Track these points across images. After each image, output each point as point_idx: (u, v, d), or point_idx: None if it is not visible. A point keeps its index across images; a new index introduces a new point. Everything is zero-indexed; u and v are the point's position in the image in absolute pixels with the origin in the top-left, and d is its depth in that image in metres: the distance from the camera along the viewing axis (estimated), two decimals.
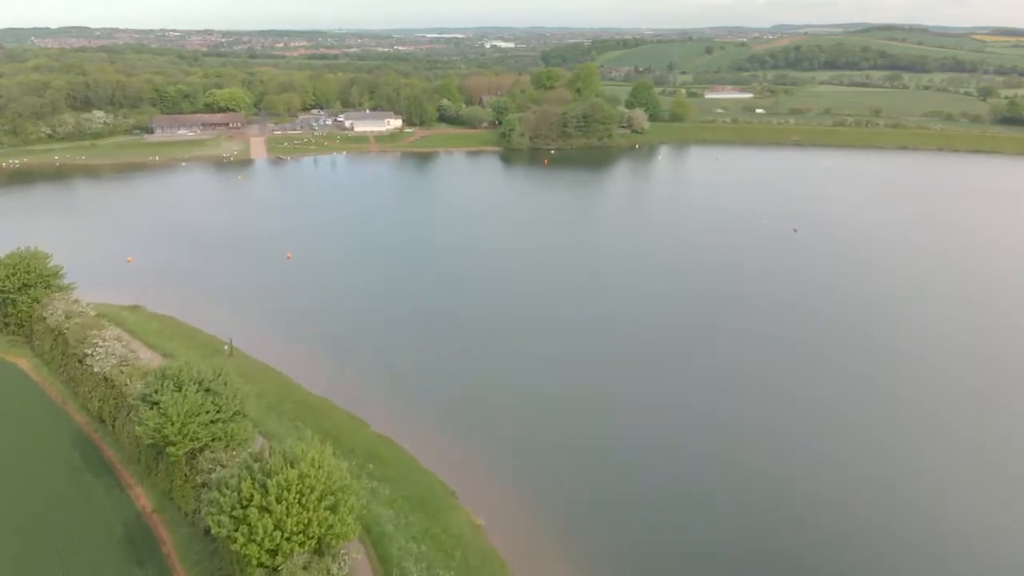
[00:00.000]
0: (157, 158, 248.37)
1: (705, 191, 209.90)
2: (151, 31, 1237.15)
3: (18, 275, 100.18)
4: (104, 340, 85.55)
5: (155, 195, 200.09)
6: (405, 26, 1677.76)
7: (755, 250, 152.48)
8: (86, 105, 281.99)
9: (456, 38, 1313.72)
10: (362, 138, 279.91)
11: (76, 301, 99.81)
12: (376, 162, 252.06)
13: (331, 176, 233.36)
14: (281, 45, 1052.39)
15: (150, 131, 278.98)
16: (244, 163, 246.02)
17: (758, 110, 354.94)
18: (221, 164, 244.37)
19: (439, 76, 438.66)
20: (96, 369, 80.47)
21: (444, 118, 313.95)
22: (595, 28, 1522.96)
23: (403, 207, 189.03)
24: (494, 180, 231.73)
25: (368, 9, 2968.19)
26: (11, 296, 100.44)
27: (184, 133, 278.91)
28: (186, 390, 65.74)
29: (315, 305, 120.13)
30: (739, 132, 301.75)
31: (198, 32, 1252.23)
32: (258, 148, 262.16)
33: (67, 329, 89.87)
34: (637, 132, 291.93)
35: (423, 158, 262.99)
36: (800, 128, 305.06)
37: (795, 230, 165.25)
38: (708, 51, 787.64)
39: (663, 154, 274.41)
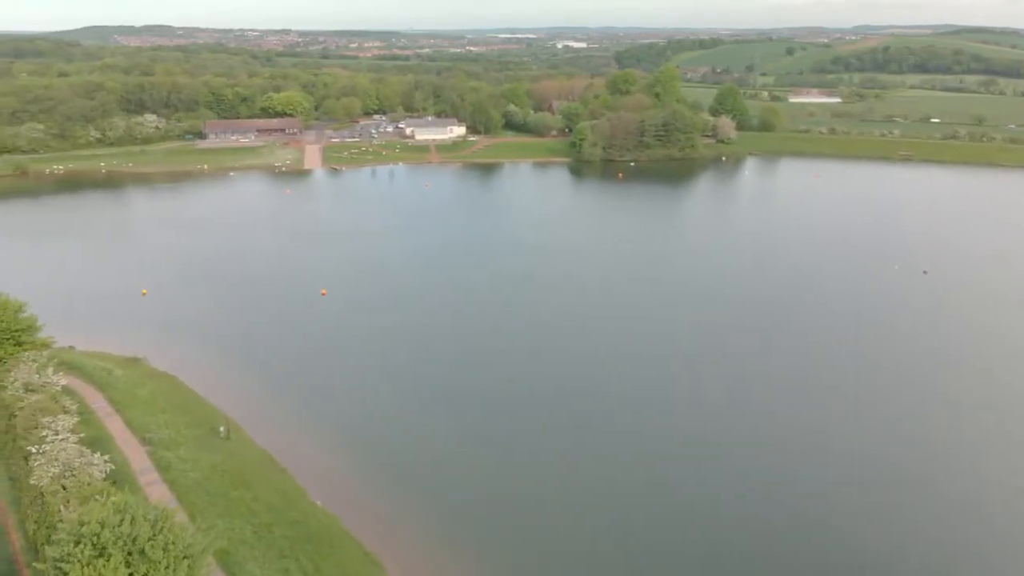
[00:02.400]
0: (206, 167, 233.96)
1: (806, 215, 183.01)
2: (230, 31, 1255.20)
3: None
4: (56, 432, 66.68)
5: (191, 211, 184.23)
6: (478, 26, 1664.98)
7: (882, 295, 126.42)
8: (140, 108, 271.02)
9: (528, 38, 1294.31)
10: (422, 148, 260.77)
11: (47, 364, 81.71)
12: (435, 175, 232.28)
13: (386, 191, 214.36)
14: (355, 46, 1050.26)
15: (203, 136, 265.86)
16: (296, 174, 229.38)
17: (858, 119, 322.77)
18: (272, 175, 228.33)
19: (509, 78, 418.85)
20: (32, 480, 61.44)
21: (510, 125, 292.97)
22: (669, 28, 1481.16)
23: (456, 231, 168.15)
24: (561, 198, 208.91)
25: (442, 9, 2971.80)
26: None
27: (237, 139, 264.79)
28: (109, 558, 45.53)
29: (344, 367, 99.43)
30: (839, 145, 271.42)
31: (276, 32, 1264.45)
32: (313, 157, 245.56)
33: (19, 411, 71.41)
34: (723, 142, 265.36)
35: (485, 170, 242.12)
36: (907, 142, 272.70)
37: (925, 272, 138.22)
38: (789, 52, 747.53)
39: (751, 168, 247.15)
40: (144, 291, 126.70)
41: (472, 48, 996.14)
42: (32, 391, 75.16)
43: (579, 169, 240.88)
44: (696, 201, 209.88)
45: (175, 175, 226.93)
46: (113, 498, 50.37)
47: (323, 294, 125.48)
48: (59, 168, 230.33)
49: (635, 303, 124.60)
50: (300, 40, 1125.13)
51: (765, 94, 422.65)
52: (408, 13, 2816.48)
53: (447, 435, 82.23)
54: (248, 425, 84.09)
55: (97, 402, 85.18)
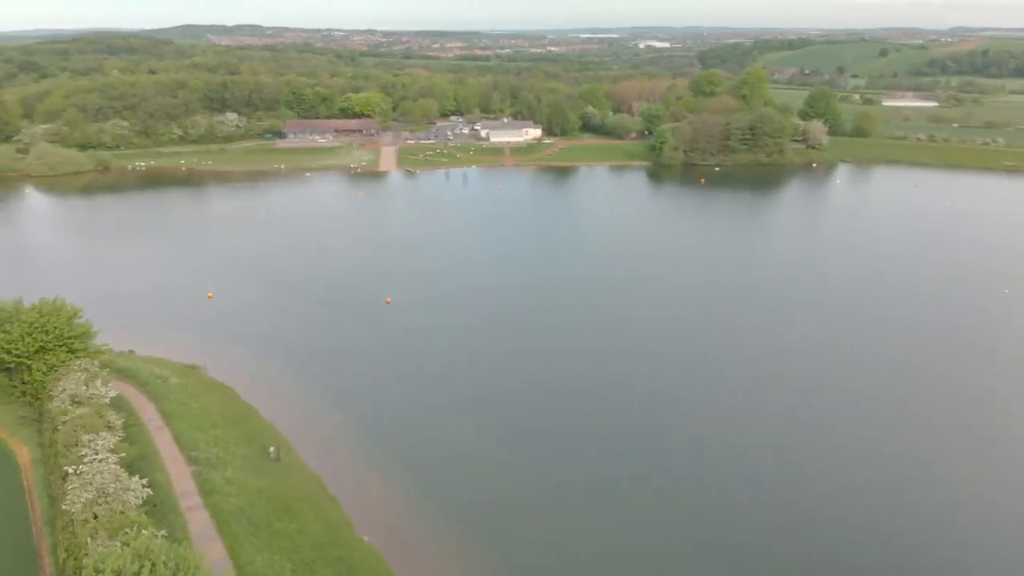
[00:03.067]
0: (283, 167, 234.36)
1: (903, 228, 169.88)
2: (318, 30, 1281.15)
3: (35, 335, 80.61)
4: (96, 452, 63.40)
5: (265, 212, 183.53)
6: (560, 26, 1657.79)
7: (989, 321, 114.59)
8: (222, 106, 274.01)
9: (610, 38, 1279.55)
10: (496, 150, 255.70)
11: (97, 375, 79.11)
12: (508, 178, 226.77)
13: (458, 194, 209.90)
14: (437, 46, 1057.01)
15: (282, 136, 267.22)
16: (371, 176, 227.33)
17: (954, 124, 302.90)
18: (348, 176, 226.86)
19: (588, 78, 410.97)
20: (64, 505, 58.13)
21: (588, 127, 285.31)
22: (756, 28, 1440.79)
23: (526, 235, 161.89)
24: (638, 202, 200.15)
25: (524, 9, 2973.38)
26: (25, 362, 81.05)
27: (315, 139, 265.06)
28: None
29: (407, 387, 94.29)
30: (938, 153, 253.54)
31: (361, 32, 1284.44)
32: (388, 159, 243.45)
33: (62, 425, 68.64)
34: (813, 148, 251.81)
35: (560, 174, 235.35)
36: (1013, 151, 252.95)
37: None
38: (883, 53, 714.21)
39: (843, 176, 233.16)
40: (210, 294, 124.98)
41: (553, 48, 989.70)
42: (79, 403, 72.39)
43: (658, 173, 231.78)
44: (784, 209, 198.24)
45: (253, 174, 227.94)
46: (134, 543, 46.02)
47: (388, 303, 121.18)
48: (141, 165, 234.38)
49: (717, 311, 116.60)
50: (384, 40, 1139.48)
51: (857, 97, 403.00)
52: (490, 13, 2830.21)
53: (520, 474, 75.92)
54: (301, 445, 79.89)
55: (148, 413, 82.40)
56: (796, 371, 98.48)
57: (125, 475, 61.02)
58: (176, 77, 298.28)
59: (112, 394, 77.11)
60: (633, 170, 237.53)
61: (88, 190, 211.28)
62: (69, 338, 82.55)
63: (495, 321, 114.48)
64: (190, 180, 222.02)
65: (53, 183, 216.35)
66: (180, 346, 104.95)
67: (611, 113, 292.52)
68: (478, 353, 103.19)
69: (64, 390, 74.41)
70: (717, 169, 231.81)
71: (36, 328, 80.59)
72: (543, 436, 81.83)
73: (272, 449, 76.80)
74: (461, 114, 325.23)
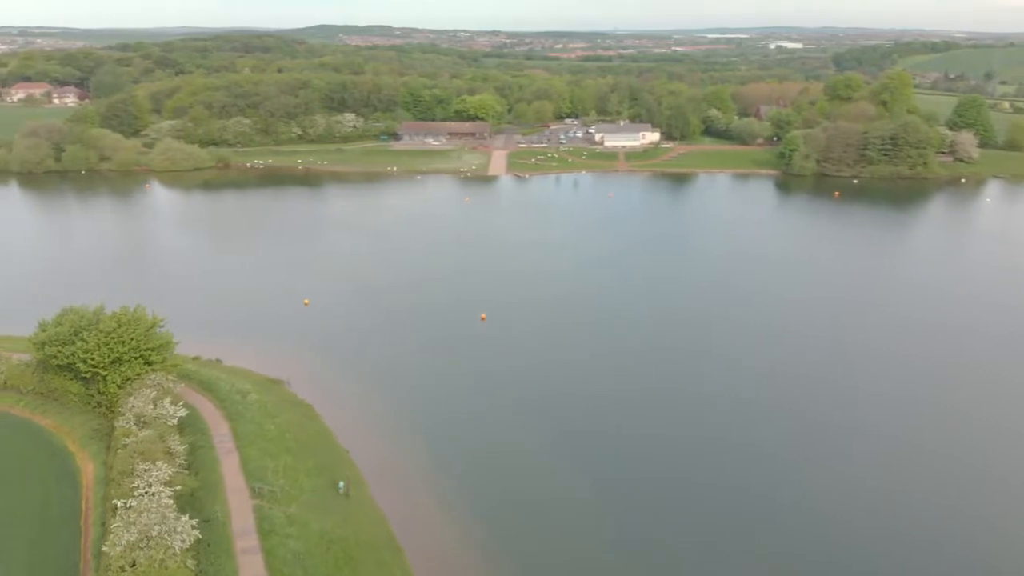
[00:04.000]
0: (395, 169, 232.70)
1: None
2: (445, 31, 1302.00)
3: (111, 345, 78.02)
4: (149, 484, 59.07)
5: (372, 215, 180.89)
6: (686, 26, 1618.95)
7: None
8: (341, 106, 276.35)
9: (738, 38, 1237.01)
10: (610, 155, 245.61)
11: (167, 392, 75.70)
12: (621, 184, 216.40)
13: (568, 200, 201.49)
14: (560, 46, 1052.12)
15: (397, 137, 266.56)
16: (480, 180, 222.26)
17: None
18: (457, 180, 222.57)
19: (713, 80, 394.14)
20: (105, 546, 53.82)
21: (711, 132, 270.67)
22: (895, 29, 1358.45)
23: (635, 249, 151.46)
24: (763, 214, 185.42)
25: (650, 10, 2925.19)
26: (100, 373, 78.62)
27: (429, 142, 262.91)
28: None
29: (500, 421, 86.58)
30: None
31: (486, 33, 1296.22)
32: (498, 163, 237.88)
33: (121, 448, 64.99)
34: (962, 161, 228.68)
35: (677, 181, 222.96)
36: None
37: None
38: None
39: (994, 193, 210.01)
40: (307, 300, 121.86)
41: (678, 48, 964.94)
42: (144, 424, 68.81)
43: (787, 184, 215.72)
44: (927, 228, 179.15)
45: (367, 176, 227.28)
46: None
47: (483, 319, 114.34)
48: (259, 163, 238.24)
49: (846, 333, 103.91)
50: (508, 41, 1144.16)
51: (1007, 105, 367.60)
52: (616, 13, 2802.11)
53: (620, 532, 67.36)
54: (374, 479, 73.93)
55: (221, 433, 78.40)
56: (928, 403, 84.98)
57: (173, 514, 56.25)
58: (300, 76, 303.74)
59: (182, 413, 73.42)
60: (759, 179, 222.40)
61: (206, 187, 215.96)
62: (146, 350, 79.70)
63: (603, 346, 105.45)
64: (306, 180, 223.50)
65: (174, 178, 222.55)
66: (268, 356, 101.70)
67: (737, 117, 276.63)
68: (584, 383, 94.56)
69: (132, 407, 71.11)
70: (855, 182, 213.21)
71: (113, 338, 78.03)
72: (667, 485, 72.62)
73: (341, 484, 70.97)
74: (577, 117, 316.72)
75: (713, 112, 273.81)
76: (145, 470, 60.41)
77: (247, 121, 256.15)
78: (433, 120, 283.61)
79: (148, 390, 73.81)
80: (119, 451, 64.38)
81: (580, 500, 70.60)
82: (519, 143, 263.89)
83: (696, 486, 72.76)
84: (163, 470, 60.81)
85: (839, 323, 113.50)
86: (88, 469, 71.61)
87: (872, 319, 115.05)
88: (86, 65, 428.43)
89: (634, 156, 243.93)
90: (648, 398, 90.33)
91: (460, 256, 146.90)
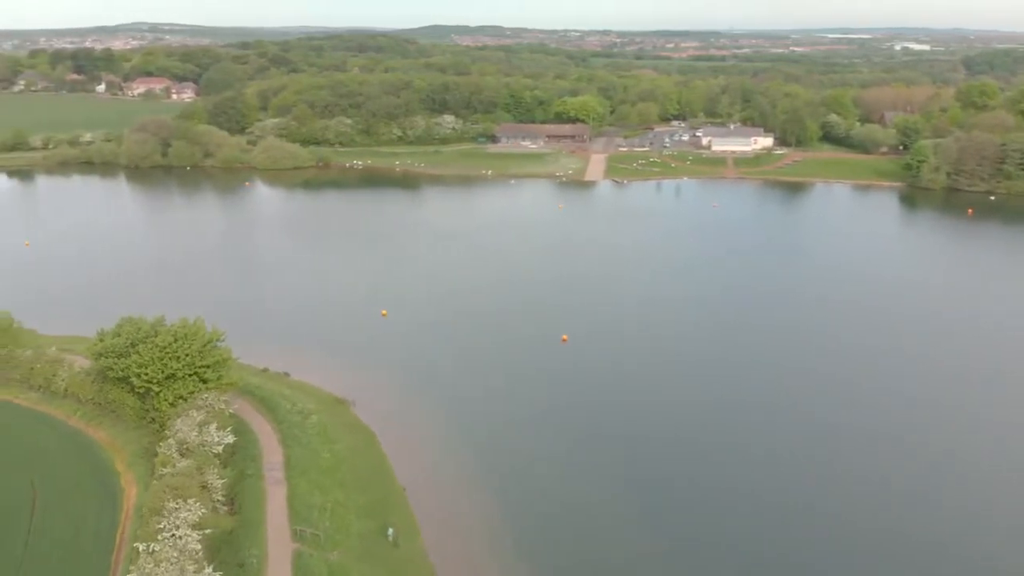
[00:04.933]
0: (490, 172, 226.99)
1: None
2: (554, 31, 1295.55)
3: (165, 360, 74.15)
4: (176, 527, 53.86)
5: (460, 220, 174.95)
6: (805, 26, 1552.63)
7: None
8: (442, 107, 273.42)
9: (861, 39, 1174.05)
10: (718, 160, 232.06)
11: (216, 416, 71.07)
12: (728, 193, 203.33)
13: (668, 209, 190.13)
14: (671, 46, 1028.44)
15: (495, 139, 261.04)
16: (576, 185, 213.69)
17: None
18: (552, 185, 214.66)
19: (833, 82, 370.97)
20: None
21: (829, 138, 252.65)
22: None
23: (741, 268, 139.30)
24: (886, 231, 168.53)
25: (767, 8, 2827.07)
26: (153, 388, 74.87)
27: (527, 145, 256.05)
28: None
29: (581, 464, 78.26)
30: None
31: (596, 33, 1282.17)
32: (596, 167, 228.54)
33: (157, 479, 60.35)
34: None
35: (790, 190, 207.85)
36: None
37: None
38: None
39: None
40: (384, 311, 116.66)
41: (796, 49, 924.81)
42: (187, 451, 64.13)
43: (913, 198, 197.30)
44: None
45: (461, 179, 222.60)
46: None
47: (564, 340, 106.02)
48: (358, 163, 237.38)
49: (979, 362, 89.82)
50: (618, 40, 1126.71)
51: None
52: (731, 13, 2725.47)
53: None
54: (428, 525, 66.80)
55: (273, 460, 73.21)
56: None
57: (195, 565, 50.73)
58: (403, 77, 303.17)
59: (228, 440, 68.60)
60: (881, 191, 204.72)
61: (304, 186, 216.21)
62: (201, 367, 75.52)
63: (698, 385, 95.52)
64: (402, 181, 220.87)
65: (275, 176, 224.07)
66: (338, 372, 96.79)
67: (858, 123, 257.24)
68: (677, 425, 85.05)
69: (178, 431, 66.65)
70: (991, 198, 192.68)
71: (167, 353, 74.23)
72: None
73: (391, 532, 64.20)
74: (684, 119, 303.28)
75: (833, 117, 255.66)
76: (175, 508, 55.26)
77: (349, 121, 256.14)
78: (532, 122, 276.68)
79: (196, 412, 69.36)
80: (154, 483, 59.72)
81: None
82: (620, 146, 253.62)
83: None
84: (194, 510, 55.62)
85: (973, 354, 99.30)
86: (131, 493, 67.63)
87: (1014, 353, 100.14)
88: (204, 62, 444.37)
89: (744, 162, 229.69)
90: (755, 447, 79.89)
91: (547, 268, 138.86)
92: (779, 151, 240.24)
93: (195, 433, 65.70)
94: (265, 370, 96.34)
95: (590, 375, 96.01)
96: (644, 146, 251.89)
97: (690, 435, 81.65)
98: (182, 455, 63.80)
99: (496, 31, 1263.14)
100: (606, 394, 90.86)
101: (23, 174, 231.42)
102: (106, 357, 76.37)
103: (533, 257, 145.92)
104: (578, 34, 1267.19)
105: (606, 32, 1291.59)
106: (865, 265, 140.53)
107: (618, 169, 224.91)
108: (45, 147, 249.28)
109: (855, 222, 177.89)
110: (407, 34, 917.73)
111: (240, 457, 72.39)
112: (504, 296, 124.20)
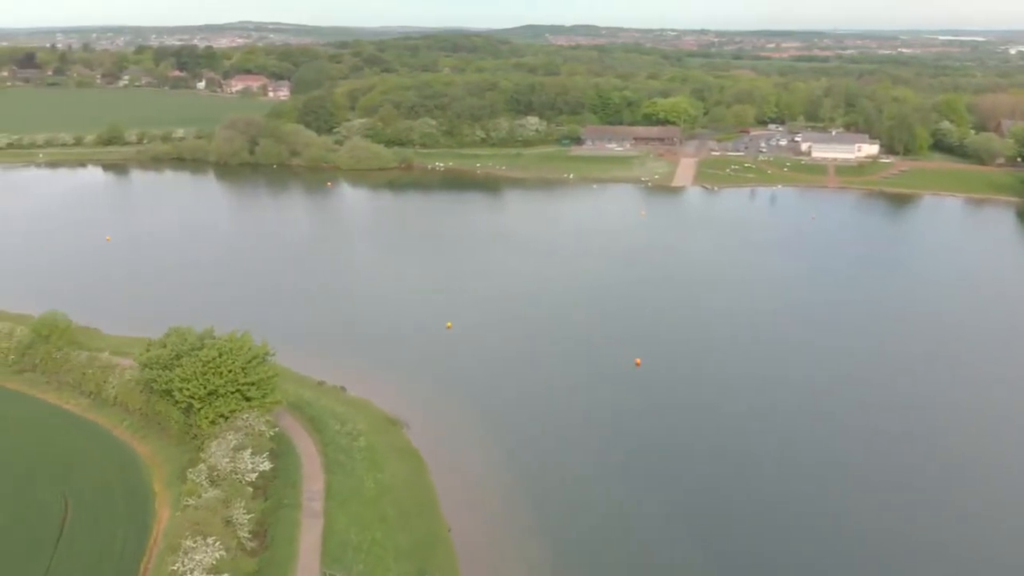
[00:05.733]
0: (572, 176, 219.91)
1: None
2: (650, 31, 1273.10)
3: (208, 376, 70.60)
4: (190, 570, 49.48)
5: (536, 227, 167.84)
6: (914, 26, 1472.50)
7: None
8: (527, 109, 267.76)
9: (974, 41, 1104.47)
10: (818, 168, 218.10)
11: (262, 432, 67.16)
12: (827, 203, 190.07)
13: (762, 219, 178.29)
14: (772, 46, 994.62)
15: (579, 142, 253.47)
16: (662, 191, 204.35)
17: None
18: (636, 190, 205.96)
19: (945, 86, 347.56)
20: None
21: (940, 147, 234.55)
22: None
23: (841, 286, 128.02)
24: (1003, 251, 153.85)
25: (873, 8, 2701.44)
26: (195, 404, 71.46)
27: (612, 148, 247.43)
28: None
29: (634, 503, 71.38)
30: None
31: (693, 32, 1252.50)
32: (685, 172, 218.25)
33: (180, 511, 56.36)
34: None
35: (895, 203, 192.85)
36: None
37: None
38: None
39: None
40: (449, 324, 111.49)
41: (904, 50, 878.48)
42: (217, 479, 60.04)
43: None
44: None
45: (542, 182, 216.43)
46: None
47: (637, 364, 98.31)
48: (440, 165, 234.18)
49: None
50: (716, 40, 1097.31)
51: None
52: (835, 12, 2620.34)
53: None
54: (473, 573, 60.86)
55: (312, 489, 68.70)
56: None
57: None
58: (489, 78, 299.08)
59: (263, 467, 64.33)
60: (997, 206, 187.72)
61: (386, 188, 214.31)
62: (245, 384, 71.66)
63: (796, 424, 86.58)
64: (483, 184, 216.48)
65: (358, 176, 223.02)
66: (394, 388, 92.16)
67: (973, 131, 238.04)
68: (759, 479, 76.66)
69: (212, 455, 62.77)
70: None
71: (210, 368, 70.70)
72: None
73: None
74: (782, 122, 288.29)
75: (945, 124, 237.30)
76: (192, 547, 50.97)
77: (433, 122, 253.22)
78: (620, 124, 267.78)
79: (233, 435, 65.36)
80: (177, 515, 55.80)
81: None
82: (712, 150, 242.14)
83: None
84: (211, 551, 51.12)
85: None
86: (163, 517, 64.15)
87: None
88: (301, 61, 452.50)
89: (846, 171, 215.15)
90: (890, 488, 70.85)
91: (625, 281, 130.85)
92: (885, 160, 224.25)
93: (227, 460, 61.54)
94: (322, 383, 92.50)
95: (667, 410, 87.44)
96: (738, 150, 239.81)
97: (802, 494, 72.92)
98: (212, 483, 59.74)
99: (591, 31, 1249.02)
100: (685, 434, 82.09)
101: (117, 168, 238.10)
102: (151, 368, 73.53)
103: (611, 269, 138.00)
104: (675, 33, 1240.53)
105: (704, 31, 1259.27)
106: (979, 286, 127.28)
107: (709, 175, 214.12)
108: (139, 142, 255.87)
109: (967, 239, 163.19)
110: (502, 34, 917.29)
111: (280, 483, 68.24)
112: (577, 311, 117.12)
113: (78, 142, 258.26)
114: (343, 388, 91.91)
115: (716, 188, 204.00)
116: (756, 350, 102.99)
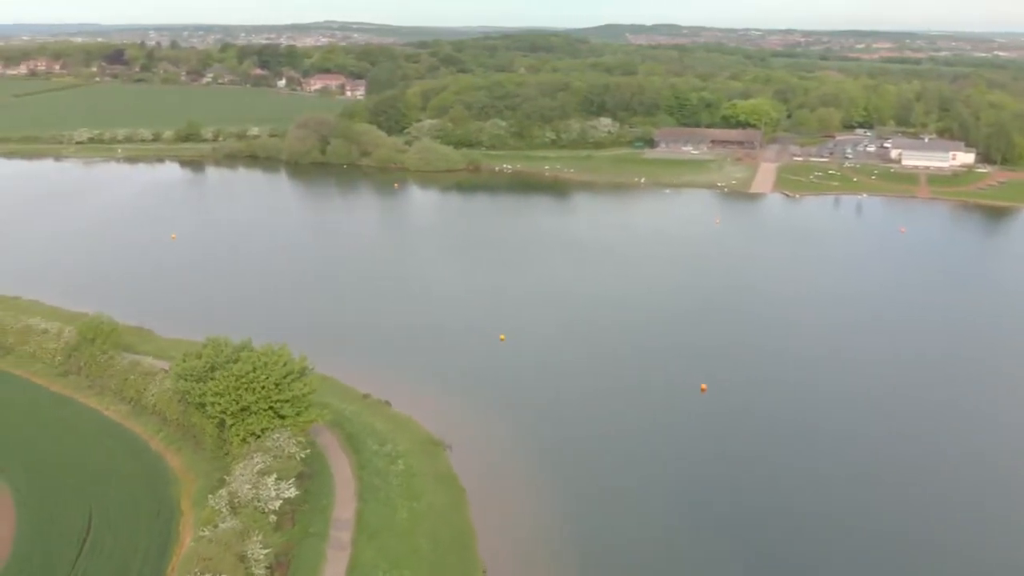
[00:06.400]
0: (643, 180, 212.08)
1: None
2: (734, 30, 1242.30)
3: (240, 391, 67.22)
4: None
5: (603, 233, 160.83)
6: (1011, 28, 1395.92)
7: None
8: (600, 109, 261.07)
9: None
10: (908, 176, 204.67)
11: (292, 454, 63.42)
12: (917, 215, 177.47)
13: (846, 230, 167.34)
14: (862, 47, 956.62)
15: (653, 144, 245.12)
16: (739, 197, 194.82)
17: None
18: (711, 196, 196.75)
19: None
20: None
21: None
22: None
23: (936, 309, 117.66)
24: None
25: (969, 8, 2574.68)
26: (227, 420, 68.21)
27: (687, 151, 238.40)
28: None
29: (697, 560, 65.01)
30: None
31: (779, 32, 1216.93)
32: (765, 178, 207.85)
33: (194, 541, 52.72)
34: None
35: (993, 216, 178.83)
36: None
37: None
38: None
39: None
40: (503, 336, 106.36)
41: (1001, 53, 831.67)
42: (237, 507, 56.29)
43: None
44: None
45: (612, 186, 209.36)
46: None
47: (703, 390, 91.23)
48: (508, 167, 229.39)
49: None
50: (802, 40, 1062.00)
51: None
52: (927, 12, 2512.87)
53: None
54: None
55: (342, 518, 64.60)
56: None
57: None
58: (562, 78, 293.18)
59: (288, 494, 60.26)
60: None
61: (453, 190, 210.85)
62: (278, 401, 68.01)
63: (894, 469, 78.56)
64: (551, 187, 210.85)
65: (425, 178, 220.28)
66: (440, 404, 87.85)
67: None
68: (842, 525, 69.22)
69: (233, 482, 59.14)
70: None
71: (243, 383, 67.26)
72: None
73: None
74: (870, 127, 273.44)
75: None
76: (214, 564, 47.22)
77: (503, 123, 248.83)
78: (697, 126, 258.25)
79: (260, 457, 61.63)
80: (191, 544, 52.28)
81: None
82: (795, 156, 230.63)
83: None
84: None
85: None
86: (185, 541, 60.88)
87: None
88: (379, 60, 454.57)
89: (939, 180, 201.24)
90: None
91: (695, 295, 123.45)
92: (981, 169, 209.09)
93: (249, 486, 57.76)
94: (367, 396, 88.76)
95: (738, 446, 79.79)
96: (822, 156, 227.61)
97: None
98: (232, 510, 56.09)
99: (672, 30, 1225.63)
100: (759, 486, 73.27)
101: (193, 165, 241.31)
102: (185, 380, 70.67)
103: (681, 280, 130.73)
104: (759, 33, 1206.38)
105: (790, 31, 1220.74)
106: None
107: (790, 181, 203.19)
108: (215, 139, 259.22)
109: None
110: (581, 34, 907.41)
111: (309, 509, 64.38)
112: (642, 325, 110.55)
113: (156, 138, 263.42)
114: (388, 403, 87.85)
115: (797, 196, 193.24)
116: (837, 379, 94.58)
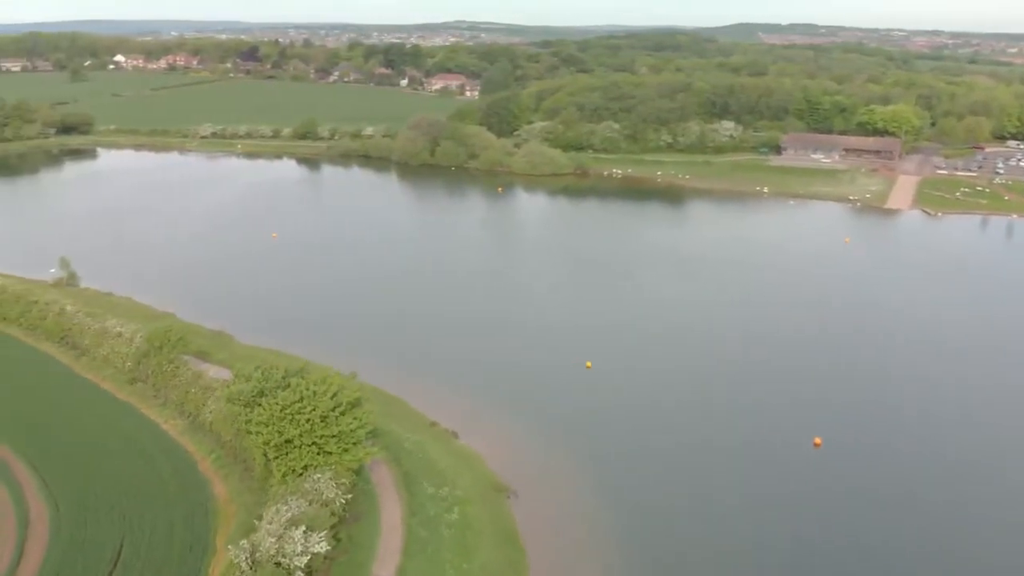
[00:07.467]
0: (765, 189, 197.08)
1: None
2: (876, 30, 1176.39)
3: (284, 423, 61.47)
4: None
5: (715, 247, 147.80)
6: None
7: None
8: (723, 112, 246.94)
9: None
10: None
11: (332, 499, 57.12)
12: None
13: (993, 257, 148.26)
14: (1015, 50, 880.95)
15: (779, 151, 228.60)
16: (873, 212, 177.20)
17: None
18: (841, 210, 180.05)
19: None
20: None
21: None
22: None
23: None
24: None
25: None
26: (270, 453, 62.71)
27: (817, 159, 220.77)
28: None
29: None
30: None
31: (924, 33, 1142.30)
32: (903, 193, 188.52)
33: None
34: None
35: None
36: None
37: None
38: None
39: None
40: (589, 363, 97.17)
41: None
42: (257, 564, 50.17)
43: None
44: None
45: (731, 195, 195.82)
46: None
47: (817, 444, 79.13)
48: (618, 172, 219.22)
49: None
50: (949, 42, 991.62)
51: None
52: None
53: None
54: None
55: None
56: None
57: None
58: (683, 78, 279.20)
59: (318, 549, 53.62)
60: None
61: (559, 195, 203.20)
62: (325, 436, 61.92)
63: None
64: (663, 194, 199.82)
65: (532, 182, 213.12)
66: (511, 441, 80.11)
67: None
68: None
69: (261, 529, 53.18)
70: None
71: (287, 414, 61.53)
72: None
73: None
74: None
75: None
76: None
77: (616, 126, 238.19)
78: (829, 133, 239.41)
79: (293, 501, 55.49)
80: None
81: None
82: (938, 168, 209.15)
83: None
84: None
85: None
86: (218, 570, 55.71)
87: None
88: (499, 60, 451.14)
89: None
90: None
91: (818, 325, 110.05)
92: None
93: (273, 539, 51.63)
94: (434, 425, 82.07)
95: (858, 527, 68.65)
96: (970, 170, 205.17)
97: None
98: (253, 567, 50.08)
99: (808, 29, 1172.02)
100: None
101: (309, 162, 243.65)
102: (233, 403, 65.79)
103: (798, 312, 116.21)
104: (903, 34, 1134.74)
105: (936, 32, 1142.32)
106: None
107: (931, 197, 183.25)
108: (331, 137, 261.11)
109: None
110: (710, 32, 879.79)
111: (346, 562, 57.81)
112: (752, 362, 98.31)
113: (276, 135, 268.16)
114: (455, 434, 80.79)
115: (938, 214, 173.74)
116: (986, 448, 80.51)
